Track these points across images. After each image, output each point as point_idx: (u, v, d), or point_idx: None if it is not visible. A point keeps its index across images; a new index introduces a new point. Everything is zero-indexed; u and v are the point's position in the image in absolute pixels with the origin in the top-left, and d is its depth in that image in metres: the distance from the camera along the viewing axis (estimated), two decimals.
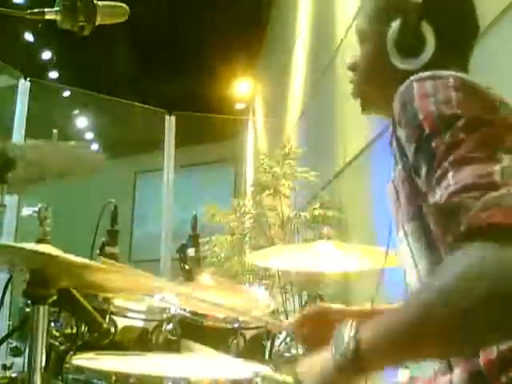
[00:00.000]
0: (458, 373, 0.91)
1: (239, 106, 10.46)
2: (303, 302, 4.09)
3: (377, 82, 1.16)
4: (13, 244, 1.11)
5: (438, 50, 1.06)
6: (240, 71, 9.47)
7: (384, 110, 1.18)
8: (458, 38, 1.11)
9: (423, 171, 0.89)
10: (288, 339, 1.93)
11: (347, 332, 0.85)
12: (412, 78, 0.96)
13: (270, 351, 1.85)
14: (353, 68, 1.22)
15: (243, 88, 10.16)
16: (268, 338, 1.84)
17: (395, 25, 1.08)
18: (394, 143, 1.01)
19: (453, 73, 0.94)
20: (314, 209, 4.26)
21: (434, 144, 0.87)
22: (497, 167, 0.80)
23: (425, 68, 1.03)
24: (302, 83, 6.53)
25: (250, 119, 10.24)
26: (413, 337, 0.80)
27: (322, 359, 0.90)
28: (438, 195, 0.84)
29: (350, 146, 4.38)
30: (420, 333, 0.79)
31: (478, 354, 0.88)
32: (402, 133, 0.95)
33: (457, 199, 0.80)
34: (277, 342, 1.88)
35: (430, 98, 0.90)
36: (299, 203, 4.84)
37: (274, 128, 7.92)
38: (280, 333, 1.93)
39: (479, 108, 0.88)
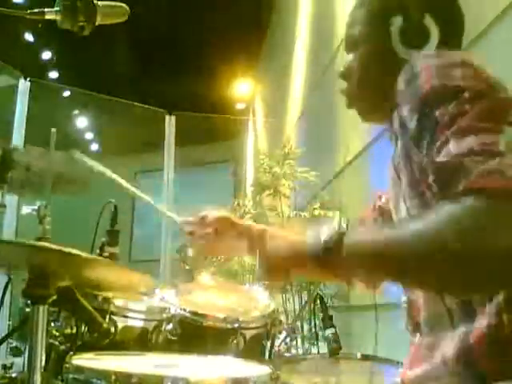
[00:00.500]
0: (447, 349, 0.92)
1: (239, 106, 10.46)
2: (303, 302, 4.09)
3: (377, 84, 1.15)
4: (12, 239, 1.11)
5: (441, 40, 1.08)
6: (240, 71, 9.47)
7: (385, 115, 1.16)
8: (457, 26, 1.14)
9: (425, 141, 0.90)
10: (288, 339, 1.93)
11: (335, 224, 0.87)
12: (416, 55, 0.97)
13: (270, 351, 1.85)
14: (347, 75, 1.20)
15: (243, 88, 10.17)
16: (268, 338, 1.84)
17: (397, 20, 1.09)
18: (396, 122, 1.00)
19: (458, 52, 0.97)
20: (314, 209, 4.26)
21: (437, 113, 0.88)
22: (500, 137, 0.81)
23: None
24: (302, 83, 6.53)
25: (250, 119, 10.24)
26: (395, 257, 0.83)
27: (295, 239, 0.94)
28: (438, 159, 0.85)
29: (350, 145, 4.38)
30: (403, 257, 0.82)
31: (471, 329, 0.89)
32: (405, 108, 0.95)
33: (459, 160, 0.81)
34: (277, 342, 1.88)
35: (434, 71, 0.91)
36: (299, 203, 4.84)
37: (274, 128, 7.92)
38: (280, 332, 1.93)
39: (484, 84, 0.89)
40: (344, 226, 0.88)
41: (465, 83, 0.88)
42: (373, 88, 1.17)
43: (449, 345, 0.92)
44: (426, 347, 1.01)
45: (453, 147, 0.83)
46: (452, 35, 1.11)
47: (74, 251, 1.04)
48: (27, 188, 1.78)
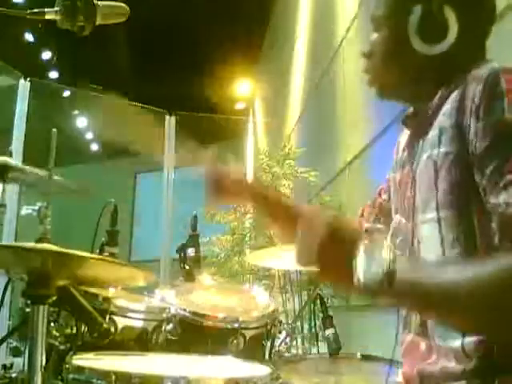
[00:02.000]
0: (469, 340, 0.93)
1: (239, 106, 10.45)
2: (303, 302, 4.09)
3: (397, 66, 1.14)
4: (8, 244, 1.11)
5: (460, 34, 1.05)
6: (240, 71, 9.46)
7: (401, 95, 1.17)
8: (478, 22, 1.11)
9: (490, 168, 0.89)
10: (288, 339, 1.93)
11: (385, 254, 0.85)
12: (497, 67, 0.95)
13: (270, 351, 1.85)
14: (369, 55, 1.19)
15: (243, 88, 10.16)
16: (268, 338, 1.84)
17: (417, 10, 1.07)
18: (448, 123, 0.98)
19: None
20: None
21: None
22: None
23: (446, 53, 1.03)
24: (302, 83, 6.53)
25: (250, 119, 10.24)
26: (445, 301, 0.84)
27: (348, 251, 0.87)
28: (503, 200, 0.86)
29: (350, 145, 4.38)
30: (452, 302, 0.83)
31: None
32: (472, 119, 0.93)
33: None
34: (277, 342, 1.88)
35: None
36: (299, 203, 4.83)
37: (274, 128, 7.92)
38: (280, 332, 1.93)
39: None
40: (394, 257, 0.85)
41: None
42: (390, 70, 1.16)
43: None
44: (425, 347, 1.01)
45: None
46: (472, 28, 1.08)
47: (72, 251, 1.04)
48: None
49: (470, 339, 0.92)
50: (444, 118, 1.00)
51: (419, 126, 1.09)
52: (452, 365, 0.95)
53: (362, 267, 0.85)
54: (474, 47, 1.07)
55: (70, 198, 2.02)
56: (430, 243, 1.01)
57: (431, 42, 1.05)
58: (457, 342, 0.94)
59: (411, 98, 1.16)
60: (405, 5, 1.09)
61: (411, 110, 1.16)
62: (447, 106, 1.00)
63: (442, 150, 0.99)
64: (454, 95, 0.99)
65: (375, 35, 1.17)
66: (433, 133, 1.02)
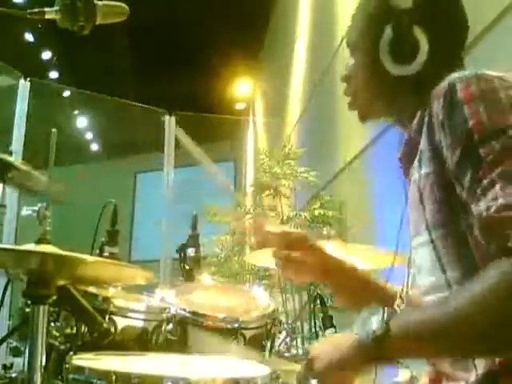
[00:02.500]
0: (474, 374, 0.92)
1: (239, 106, 10.46)
2: (303, 302, 4.09)
3: (372, 89, 1.15)
4: (7, 246, 1.11)
5: (432, 53, 1.05)
6: (240, 71, 9.47)
7: (385, 115, 1.19)
8: (450, 38, 1.10)
9: (466, 179, 0.88)
10: (288, 339, 1.93)
11: (379, 314, 0.89)
12: (454, 77, 0.94)
13: (270, 351, 1.85)
14: (347, 79, 1.21)
15: (243, 88, 10.17)
16: (268, 338, 1.84)
17: (387, 31, 1.07)
18: (425, 144, 0.98)
19: (494, 73, 0.93)
20: (314, 209, 4.26)
21: (482, 152, 0.86)
22: None
23: (421, 73, 1.03)
24: (302, 83, 6.53)
25: (250, 119, 10.24)
26: (440, 336, 0.83)
27: (344, 339, 0.93)
28: (483, 206, 0.84)
29: (350, 145, 4.38)
30: (448, 334, 0.83)
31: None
32: (441, 136, 0.93)
33: (503, 215, 0.81)
34: (277, 342, 1.88)
35: (478, 102, 0.89)
36: (299, 203, 4.84)
37: (274, 128, 7.92)
38: (280, 332, 1.93)
39: None
40: (387, 315, 0.89)
41: (511, 115, 0.86)
42: (367, 94, 1.17)
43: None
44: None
45: (499, 193, 0.82)
46: (444, 45, 1.07)
47: (71, 254, 1.04)
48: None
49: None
50: (422, 140, 1.00)
51: (408, 153, 1.08)
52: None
53: (358, 329, 0.91)
54: (448, 63, 1.05)
55: (70, 198, 2.02)
56: (426, 265, 1.01)
57: (403, 63, 1.05)
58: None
59: (393, 120, 1.17)
60: (374, 27, 1.10)
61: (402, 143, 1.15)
62: (424, 128, 0.99)
63: (423, 171, 0.99)
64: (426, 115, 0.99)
65: (351, 60, 1.19)
66: (417, 156, 1.03)
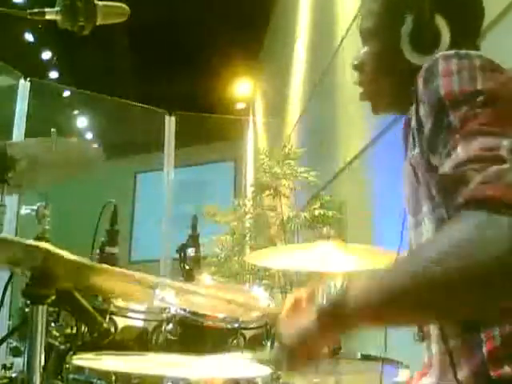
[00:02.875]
0: (462, 371, 0.91)
1: (239, 106, 10.46)
2: None
3: (390, 79, 1.13)
4: (13, 238, 1.11)
5: (452, 42, 1.05)
6: (240, 71, 9.47)
7: (397, 108, 1.16)
8: (469, 26, 1.10)
9: (438, 145, 0.89)
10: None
11: (337, 281, 0.85)
12: (438, 55, 0.94)
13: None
14: (359, 68, 1.18)
15: (243, 88, 10.17)
16: (268, 338, 1.84)
17: (409, 20, 1.06)
18: (414, 123, 0.98)
19: (479, 53, 0.94)
20: (314, 209, 4.26)
21: (451, 117, 0.87)
22: (505, 142, 0.80)
23: None
24: (302, 83, 6.53)
25: (250, 119, 10.25)
26: (404, 293, 0.80)
27: (304, 313, 0.89)
28: (447, 166, 0.85)
29: (350, 145, 4.38)
30: (411, 291, 0.79)
31: (481, 345, 0.88)
32: (422, 109, 0.94)
33: (459, 170, 0.81)
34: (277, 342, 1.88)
35: (453, 75, 0.90)
36: (299, 203, 4.84)
37: (274, 128, 7.92)
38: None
39: (501, 87, 0.88)
40: (344, 279, 0.85)
41: (481, 87, 0.87)
42: (383, 83, 1.15)
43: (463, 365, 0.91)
44: (438, 362, 1.00)
45: (460, 152, 0.83)
46: (464, 37, 1.07)
47: (72, 256, 1.04)
48: (27, 181, 1.78)
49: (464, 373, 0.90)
50: (413, 119, 1.00)
51: (405, 135, 1.09)
52: None
53: (318, 299, 0.86)
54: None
55: (70, 198, 2.03)
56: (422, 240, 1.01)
57: (424, 52, 1.05)
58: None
59: (406, 111, 1.16)
60: (395, 16, 1.09)
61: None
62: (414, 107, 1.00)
63: (416, 151, 0.99)
64: None
65: (365, 48, 1.17)
66: (410, 138, 1.03)
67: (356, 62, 1.19)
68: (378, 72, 1.15)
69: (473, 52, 0.94)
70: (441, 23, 1.05)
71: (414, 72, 1.03)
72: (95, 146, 1.89)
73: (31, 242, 1.12)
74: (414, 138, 1.00)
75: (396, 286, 0.81)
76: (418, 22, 1.06)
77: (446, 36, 1.04)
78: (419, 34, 1.06)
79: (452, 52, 0.94)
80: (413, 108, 0.99)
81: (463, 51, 0.94)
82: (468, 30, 1.10)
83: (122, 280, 1.21)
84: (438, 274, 0.76)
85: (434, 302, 0.79)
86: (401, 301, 0.81)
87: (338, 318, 0.84)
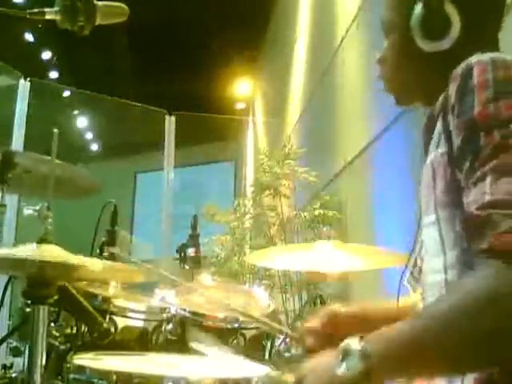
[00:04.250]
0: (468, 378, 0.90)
1: (239, 106, 10.46)
2: (303, 302, 4.09)
3: (410, 69, 1.14)
4: (7, 254, 1.11)
5: (464, 29, 1.04)
6: (240, 71, 9.47)
7: (420, 98, 1.16)
8: (486, 18, 1.09)
9: (465, 165, 0.88)
10: (288, 339, 1.92)
11: (356, 345, 0.83)
12: (473, 60, 0.93)
13: (270, 351, 1.85)
14: (382, 61, 1.19)
15: (243, 88, 10.16)
16: (268, 338, 1.84)
17: (418, 8, 1.06)
18: (440, 125, 0.98)
19: None
20: (314, 209, 4.26)
21: (481, 142, 0.86)
22: None
23: (452, 51, 1.03)
24: (302, 83, 6.53)
25: (250, 119, 10.24)
26: (423, 353, 0.81)
27: (326, 367, 0.88)
28: (472, 197, 0.84)
29: (350, 145, 4.38)
30: (430, 351, 0.80)
31: None
32: (451, 118, 0.93)
33: (486, 213, 0.81)
34: (277, 342, 1.88)
35: (489, 89, 0.88)
36: (299, 203, 4.84)
37: (274, 128, 7.92)
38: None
39: None
40: (363, 345, 0.84)
41: None
42: (403, 74, 1.15)
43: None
44: None
45: (487, 190, 0.82)
46: (480, 28, 1.07)
47: (71, 258, 1.04)
48: (26, 189, 1.79)
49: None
50: (440, 119, 1.00)
51: (428, 130, 1.08)
52: None
53: (339, 365, 0.84)
54: (481, 43, 1.04)
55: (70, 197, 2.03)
56: (432, 246, 1.00)
57: (434, 39, 1.05)
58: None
59: (428, 101, 1.13)
60: (405, 4, 1.09)
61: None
62: (442, 108, 0.99)
63: (439, 150, 0.98)
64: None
65: (386, 41, 1.17)
66: (434, 136, 1.02)
67: (379, 56, 1.19)
68: (397, 64, 1.15)
69: (509, 59, 0.92)
70: (451, 11, 1.04)
71: (428, 61, 1.05)
72: (95, 180, 1.88)
73: (25, 250, 1.12)
74: (438, 138, 0.99)
75: (411, 348, 0.82)
76: (426, 8, 1.06)
77: (456, 24, 1.04)
78: (428, 21, 1.06)
79: (487, 58, 0.92)
80: (439, 104, 0.98)
81: (500, 57, 0.92)
82: (484, 22, 1.09)
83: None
84: (453, 337, 0.77)
85: (448, 364, 0.81)
86: (417, 363, 0.82)
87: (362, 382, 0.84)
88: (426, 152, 1.07)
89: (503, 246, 0.77)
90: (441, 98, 1.00)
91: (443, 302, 0.84)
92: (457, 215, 0.94)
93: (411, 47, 1.08)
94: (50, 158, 1.54)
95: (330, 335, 1.20)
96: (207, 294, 1.87)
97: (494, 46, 1.09)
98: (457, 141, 0.91)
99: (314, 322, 1.24)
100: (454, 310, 0.78)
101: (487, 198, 0.82)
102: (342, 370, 0.84)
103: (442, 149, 0.98)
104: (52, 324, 1.60)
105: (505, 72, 0.90)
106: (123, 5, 1.13)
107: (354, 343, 0.84)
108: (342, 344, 0.85)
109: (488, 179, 0.83)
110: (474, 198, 0.84)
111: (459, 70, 0.94)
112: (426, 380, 1.01)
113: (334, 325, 1.22)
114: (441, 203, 0.97)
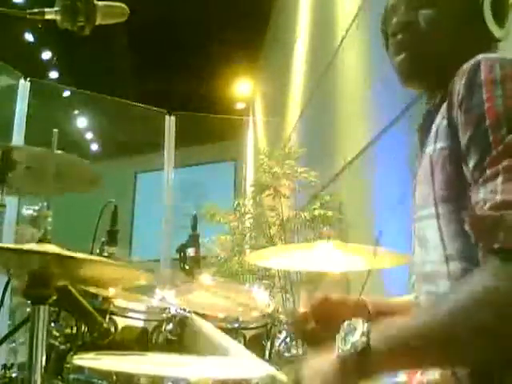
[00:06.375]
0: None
1: (239, 106, 10.46)
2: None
3: (442, 49, 1.06)
4: (10, 246, 1.11)
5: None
6: (240, 71, 9.47)
7: (428, 82, 1.11)
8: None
9: (472, 161, 0.88)
10: (288, 339, 1.93)
11: (359, 328, 0.85)
12: (481, 57, 0.92)
13: (270, 351, 1.85)
14: (406, 26, 1.09)
15: (243, 88, 10.17)
16: (268, 338, 1.84)
17: None
18: (444, 119, 0.97)
19: None
20: (314, 209, 4.26)
21: (491, 139, 0.85)
22: None
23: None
24: (302, 83, 6.53)
25: (250, 119, 10.25)
26: (424, 344, 0.82)
27: (326, 359, 0.89)
28: (482, 196, 0.84)
29: (350, 145, 4.38)
30: (431, 342, 0.81)
31: None
32: (458, 113, 0.92)
33: (499, 213, 0.81)
34: (277, 342, 1.88)
35: (498, 86, 0.88)
36: (299, 203, 4.84)
37: (274, 128, 7.93)
38: (280, 332, 1.93)
39: None
40: (367, 327, 0.85)
41: None
42: (441, 48, 1.07)
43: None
44: None
45: (499, 187, 0.82)
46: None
47: (71, 254, 1.04)
48: (27, 186, 1.79)
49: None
50: (440, 113, 0.99)
51: (426, 126, 1.07)
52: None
53: (339, 345, 0.86)
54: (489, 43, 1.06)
55: (70, 198, 2.03)
56: (431, 238, 1.00)
57: (501, 25, 1.04)
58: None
59: (432, 90, 1.10)
60: None
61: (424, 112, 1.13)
62: (445, 102, 0.99)
63: (438, 145, 0.98)
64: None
65: (426, 10, 1.08)
66: (433, 129, 1.02)
67: (402, 20, 1.09)
68: (433, 38, 1.07)
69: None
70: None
71: (467, 47, 1.01)
72: (95, 171, 1.88)
73: (28, 247, 1.12)
74: (437, 133, 0.99)
75: (421, 336, 0.82)
76: None
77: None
78: (501, 4, 1.04)
79: (494, 56, 0.92)
80: (439, 98, 0.98)
81: (505, 57, 0.92)
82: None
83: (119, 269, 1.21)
84: (465, 325, 0.79)
85: (460, 352, 0.82)
86: (425, 352, 0.83)
87: (362, 365, 0.84)
88: (422, 147, 1.06)
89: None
90: (444, 92, 0.99)
91: (454, 294, 0.84)
92: (458, 209, 0.94)
93: (459, 28, 1.05)
94: (50, 149, 1.54)
95: (323, 320, 1.21)
96: (207, 295, 1.87)
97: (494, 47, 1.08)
98: (464, 136, 0.90)
99: (306, 307, 1.26)
100: (465, 304, 0.79)
101: (499, 197, 0.81)
102: (344, 346, 0.86)
103: (442, 143, 0.97)
104: (52, 324, 1.60)
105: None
106: (123, 5, 1.13)
107: (357, 323, 0.86)
108: (346, 322, 0.87)
109: (499, 179, 0.83)
110: (484, 196, 0.83)
111: (467, 66, 0.93)
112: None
113: (325, 309, 1.23)
114: (440, 197, 0.97)
